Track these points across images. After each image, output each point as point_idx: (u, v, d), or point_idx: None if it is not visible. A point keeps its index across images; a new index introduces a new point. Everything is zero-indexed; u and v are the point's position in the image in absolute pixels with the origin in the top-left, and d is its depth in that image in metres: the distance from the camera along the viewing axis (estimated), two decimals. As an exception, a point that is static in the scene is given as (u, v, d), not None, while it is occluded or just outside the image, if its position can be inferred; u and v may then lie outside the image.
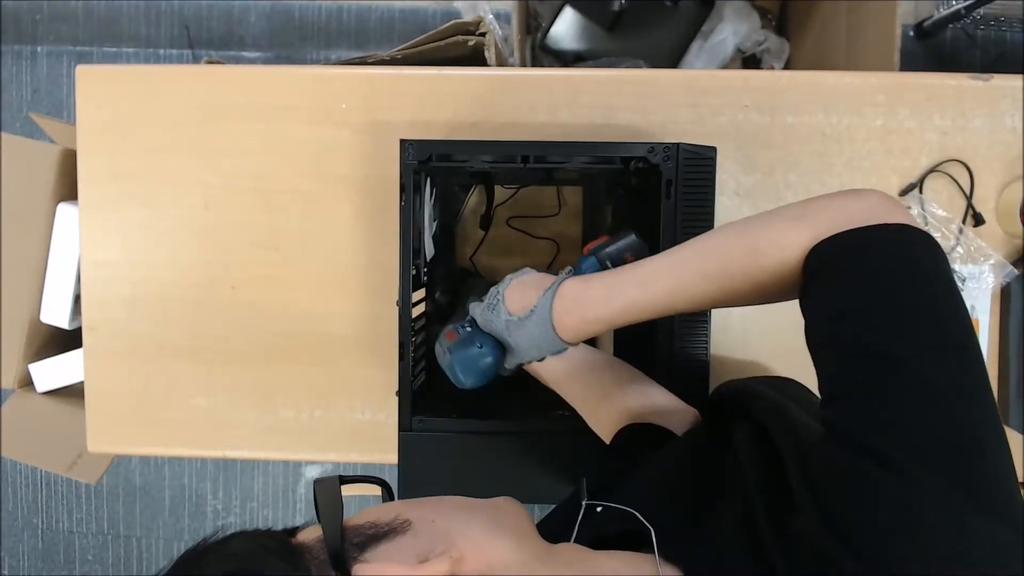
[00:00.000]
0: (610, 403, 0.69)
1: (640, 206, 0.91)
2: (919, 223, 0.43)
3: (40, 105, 1.88)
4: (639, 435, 0.65)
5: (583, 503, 0.48)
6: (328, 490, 0.42)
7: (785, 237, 0.46)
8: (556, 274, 0.61)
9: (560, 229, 0.98)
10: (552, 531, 0.46)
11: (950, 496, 0.33)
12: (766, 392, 0.56)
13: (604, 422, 0.69)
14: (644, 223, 0.83)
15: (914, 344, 0.37)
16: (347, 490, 0.43)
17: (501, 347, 0.62)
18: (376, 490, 0.50)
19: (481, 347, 0.61)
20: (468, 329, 0.63)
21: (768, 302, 0.51)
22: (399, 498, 0.47)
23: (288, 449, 1.00)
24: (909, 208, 0.93)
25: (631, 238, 0.66)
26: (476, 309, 0.65)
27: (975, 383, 0.37)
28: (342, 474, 0.44)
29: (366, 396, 0.99)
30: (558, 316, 0.57)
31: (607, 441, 0.68)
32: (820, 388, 0.41)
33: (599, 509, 0.48)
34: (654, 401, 0.68)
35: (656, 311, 0.54)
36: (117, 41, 1.87)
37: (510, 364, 0.63)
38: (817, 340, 0.42)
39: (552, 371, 0.74)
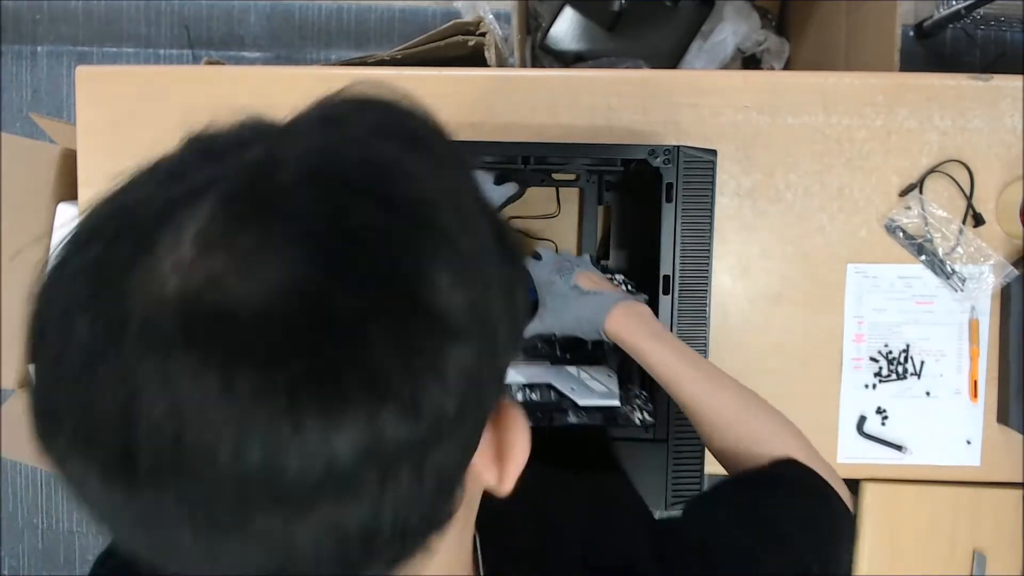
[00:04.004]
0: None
1: (639, 208, 0.91)
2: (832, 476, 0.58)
3: (40, 105, 1.88)
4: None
5: None
6: None
7: (777, 440, 0.60)
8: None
9: (559, 230, 0.98)
10: None
11: None
12: None
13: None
14: (644, 226, 0.83)
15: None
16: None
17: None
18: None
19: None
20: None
21: (711, 447, 0.64)
22: None
23: (288, 449, 1.00)
24: (909, 208, 0.93)
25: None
26: (539, 268, 0.76)
27: None
28: None
29: (366, 396, 0.99)
30: (615, 314, 0.69)
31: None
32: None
33: None
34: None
35: (664, 381, 0.65)
36: (117, 41, 1.87)
37: (532, 328, 0.73)
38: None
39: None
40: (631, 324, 0.68)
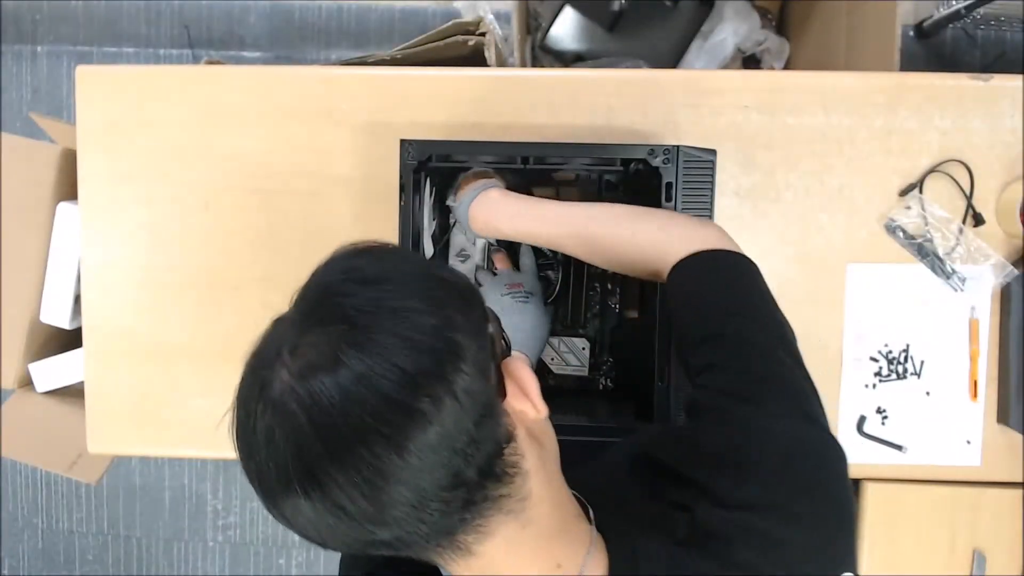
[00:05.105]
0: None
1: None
2: (740, 250, 0.62)
3: (40, 105, 1.88)
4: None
5: None
6: None
7: (674, 248, 0.62)
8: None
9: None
10: None
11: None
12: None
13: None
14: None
15: (750, 322, 0.57)
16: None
17: None
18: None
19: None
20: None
21: (625, 272, 0.70)
22: None
23: (288, 449, 1.00)
24: (909, 208, 0.93)
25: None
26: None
27: (788, 345, 0.56)
28: None
29: (366, 396, 0.99)
30: (472, 213, 0.75)
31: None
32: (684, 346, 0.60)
33: None
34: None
35: (545, 244, 0.73)
36: (117, 41, 1.87)
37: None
38: (683, 315, 0.61)
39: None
40: (487, 217, 0.74)
